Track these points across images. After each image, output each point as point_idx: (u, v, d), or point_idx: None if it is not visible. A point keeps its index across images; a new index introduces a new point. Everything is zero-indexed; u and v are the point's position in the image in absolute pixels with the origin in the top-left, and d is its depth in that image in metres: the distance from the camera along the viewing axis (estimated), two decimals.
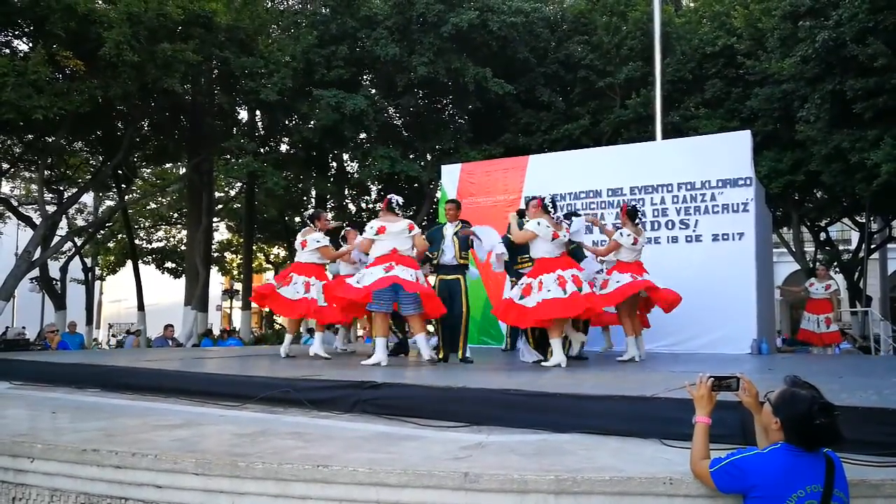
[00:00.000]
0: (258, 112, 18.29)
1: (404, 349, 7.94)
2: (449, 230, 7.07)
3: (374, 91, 16.98)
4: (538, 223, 6.19)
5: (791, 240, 17.85)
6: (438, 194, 12.64)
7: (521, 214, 7.26)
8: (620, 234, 6.92)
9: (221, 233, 27.26)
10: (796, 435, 2.31)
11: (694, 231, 9.01)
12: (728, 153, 8.99)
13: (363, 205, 22.05)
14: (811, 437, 2.30)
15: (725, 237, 8.79)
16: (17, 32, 13.89)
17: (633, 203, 8.21)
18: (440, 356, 6.86)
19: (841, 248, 20.97)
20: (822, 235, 19.54)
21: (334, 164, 19.39)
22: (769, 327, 9.86)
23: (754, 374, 4.42)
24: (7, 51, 13.41)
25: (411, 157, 17.42)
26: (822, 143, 13.29)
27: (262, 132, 18.56)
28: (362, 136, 16.80)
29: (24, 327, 19.79)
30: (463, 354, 6.92)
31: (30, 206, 20.66)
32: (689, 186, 9.08)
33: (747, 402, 2.63)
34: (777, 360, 7.93)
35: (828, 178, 13.76)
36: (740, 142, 9.12)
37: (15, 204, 19.56)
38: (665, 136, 11.64)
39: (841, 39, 12.21)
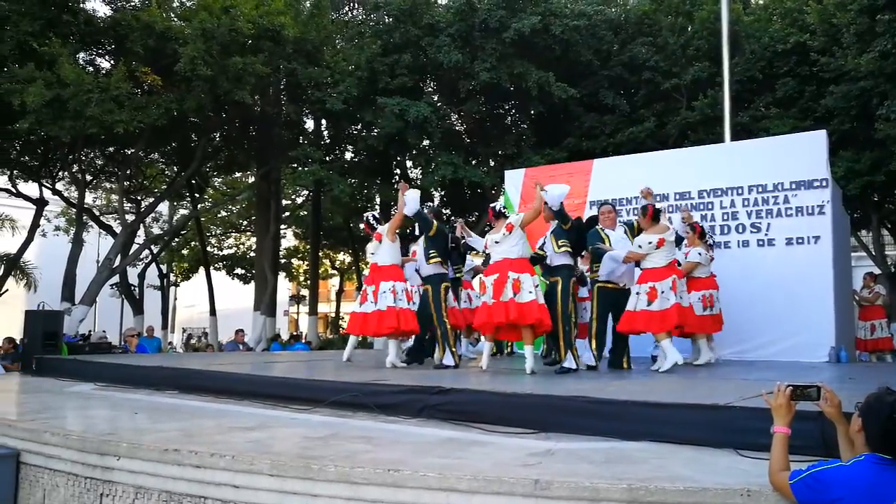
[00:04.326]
0: (324, 121, 18.70)
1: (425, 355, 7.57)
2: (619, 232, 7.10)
3: (436, 98, 17.10)
4: (699, 253, 7.57)
5: (871, 243, 17.04)
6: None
7: (592, 222, 7.12)
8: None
9: (288, 240, 27.94)
10: (880, 441, 2.20)
11: (766, 234, 8.72)
12: (802, 154, 8.69)
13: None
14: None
15: (800, 241, 8.48)
16: (100, 51, 14.69)
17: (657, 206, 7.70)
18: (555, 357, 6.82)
19: None
20: None
21: (398, 170, 19.61)
22: (848, 335, 9.43)
23: (834, 384, 4.22)
24: (91, 68, 14.14)
25: (474, 162, 17.45)
26: None
27: (327, 141, 18.95)
28: (425, 142, 16.92)
29: (104, 331, 20.68)
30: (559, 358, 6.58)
31: (110, 216, 21.70)
32: (760, 189, 8.82)
33: (829, 412, 2.52)
34: (858, 369, 7.59)
35: None
36: (815, 142, 8.78)
37: (97, 213, 20.55)
38: (734, 137, 11.31)
39: None
